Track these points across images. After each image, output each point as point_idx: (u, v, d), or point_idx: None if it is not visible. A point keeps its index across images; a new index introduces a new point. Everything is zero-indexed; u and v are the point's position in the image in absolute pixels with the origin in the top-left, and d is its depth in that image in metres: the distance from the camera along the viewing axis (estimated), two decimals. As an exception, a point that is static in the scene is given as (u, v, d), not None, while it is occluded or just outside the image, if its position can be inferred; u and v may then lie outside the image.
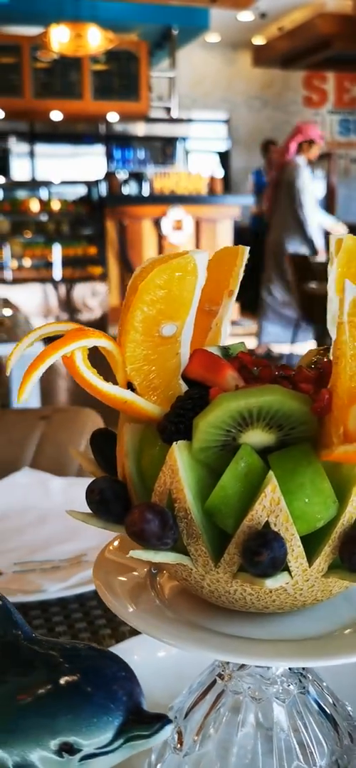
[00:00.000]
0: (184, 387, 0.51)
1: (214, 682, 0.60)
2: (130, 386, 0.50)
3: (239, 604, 0.49)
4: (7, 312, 3.13)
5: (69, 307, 8.77)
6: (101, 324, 8.66)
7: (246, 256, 0.56)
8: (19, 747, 0.38)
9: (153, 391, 0.49)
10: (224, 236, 8.90)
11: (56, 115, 8.86)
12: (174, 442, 0.46)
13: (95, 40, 6.43)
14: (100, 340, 0.47)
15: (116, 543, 0.61)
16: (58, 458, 1.38)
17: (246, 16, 8.80)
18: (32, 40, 7.98)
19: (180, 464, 0.45)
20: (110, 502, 0.50)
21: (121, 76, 8.52)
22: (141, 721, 0.37)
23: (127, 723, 0.37)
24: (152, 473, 0.49)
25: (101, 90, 8.52)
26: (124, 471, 0.51)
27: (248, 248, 0.56)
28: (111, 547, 0.60)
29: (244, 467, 0.45)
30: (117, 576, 0.57)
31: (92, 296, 8.81)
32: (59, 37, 6.44)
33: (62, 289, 8.78)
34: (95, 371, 0.47)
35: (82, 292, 8.80)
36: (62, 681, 0.38)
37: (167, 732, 0.37)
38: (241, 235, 9.23)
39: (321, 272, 6.43)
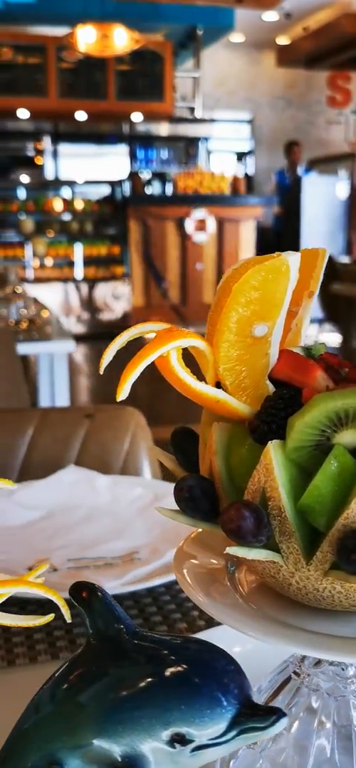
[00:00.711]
0: (271, 387, 0.51)
1: (289, 679, 0.60)
2: (217, 386, 0.51)
3: (326, 602, 0.50)
4: (43, 312, 3.15)
5: (91, 306, 8.82)
6: (123, 324, 8.69)
7: (327, 257, 0.57)
8: (129, 737, 0.39)
9: (243, 391, 0.50)
10: (247, 237, 8.90)
11: (81, 116, 8.90)
12: (269, 442, 0.46)
13: (121, 40, 6.45)
14: (194, 340, 0.48)
15: (192, 538, 0.62)
16: (103, 456, 1.39)
17: (271, 16, 8.79)
18: (58, 40, 8.03)
19: (275, 463, 0.46)
20: (198, 499, 0.51)
21: (145, 77, 8.55)
22: (255, 714, 0.37)
23: (240, 715, 0.37)
24: (241, 471, 0.50)
25: (126, 90, 8.55)
26: (211, 469, 0.51)
27: (328, 250, 0.57)
28: (188, 542, 0.61)
29: (337, 467, 0.46)
30: (196, 570, 0.58)
31: (115, 296, 8.84)
32: (86, 38, 6.47)
33: (85, 288, 8.82)
34: (188, 371, 0.48)
35: (105, 291, 8.84)
36: (173, 673, 0.39)
37: (283, 724, 0.37)
38: (264, 236, 9.23)
39: (345, 273, 6.41)
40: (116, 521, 1.15)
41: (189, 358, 0.50)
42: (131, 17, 7.21)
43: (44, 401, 3.18)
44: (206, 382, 0.50)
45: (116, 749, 0.40)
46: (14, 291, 3.17)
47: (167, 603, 0.95)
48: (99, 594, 0.45)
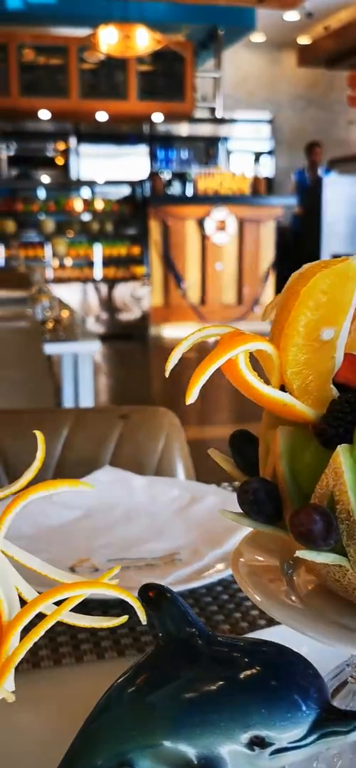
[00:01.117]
0: (334, 391, 0.51)
1: (345, 683, 0.60)
2: (281, 389, 0.51)
3: None
4: (67, 312, 3.16)
5: (111, 306, 8.84)
6: (142, 324, 8.71)
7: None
8: (206, 739, 0.39)
9: (309, 395, 0.50)
10: (268, 237, 8.89)
11: (102, 116, 8.93)
12: (339, 446, 0.46)
13: (143, 40, 6.47)
14: (262, 344, 0.48)
15: (247, 540, 0.62)
16: (137, 457, 1.39)
17: (292, 15, 8.76)
18: (79, 41, 8.06)
19: (344, 467, 0.46)
20: (262, 502, 0.51)
21: (166, 77, 8.56)
22: (337, 718, 0.37)
23: (321, 719, 0.38)
24: (305, 475, 0.50)
25: (146, 91, 8.57)
26: (275, 472, 0.51)
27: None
28: (244, 544, 0.61)
29: None
30: (253, 571, 0.58)
31: (134, 296, 8.86)
32: (108, 38, 6.49)
33: (104, 288, 8.85)
34: (256, 374, 0.48)
35: (124, 291, 8.86)
36: (251, 676, 0.39)
37: (366, 729, 0.38)
38: (283, 236, 9.21)
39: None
40: (154, 522, 1.16)
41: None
42: (153, 18, 7.22)
43: (68, 401, 3.20)
44: (271, 385, 0.50)
45: (191, 751, 0.40)
46: (40, 290, 3.19)
47: (209, 605, 0.95)
48: (168, 595, 0.45)
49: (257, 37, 9.71)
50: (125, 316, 8.87)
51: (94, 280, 8.82)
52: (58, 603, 0.43)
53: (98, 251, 8.78)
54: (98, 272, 8.82)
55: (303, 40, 9.96)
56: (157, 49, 6.90)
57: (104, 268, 8.85)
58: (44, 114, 8.85)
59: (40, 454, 0.45)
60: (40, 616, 0.44)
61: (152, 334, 8.67)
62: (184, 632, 0.43)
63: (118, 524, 1.15)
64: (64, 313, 3.27)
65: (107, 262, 8.86)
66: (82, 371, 3.14)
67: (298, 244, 9.39)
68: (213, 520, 1.14)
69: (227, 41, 8.86)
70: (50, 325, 2.97)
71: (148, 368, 7.87)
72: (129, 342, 8.52)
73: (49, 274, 8.60)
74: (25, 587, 0.45)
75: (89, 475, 1.28)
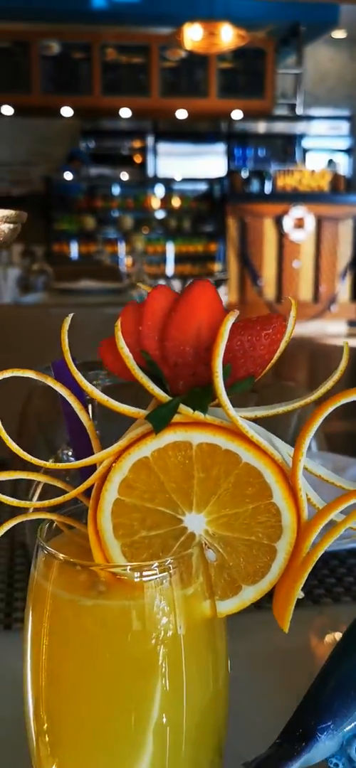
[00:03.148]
0: None
1: None
2: None
3: None
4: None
5: (187, 302, 8.90)
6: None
7: None
8: None
9: None
10: (346, 235, 8.79)
11: (181, 114, 9.00)
12: None
13: (227, 37, 6.50)
14: None
15: None
16: (270, 431, 1.42)
17: (376, 10, 8.64)
18: (161, 39, 8.15)
19: None
20: None
21: (247, 74, 8.57)
22: None
23: None
24: None
25: (227, 88, 8.60)
26: None
27: None
28: None
29: None
30: None
31: (211, 293, 8.89)
32: (192, 36, 6.55)
33: (179, 285, 8.92)
34: None
35: (200, 288, 8.90)
36: None
37: None
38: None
39: None
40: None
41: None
42: (237, 15, 7.24)
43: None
44: None
45: None
46: (138, 281, 3.25)
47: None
48: None
49: (339, 33, 9.60)
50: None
51: (170, 276, 8.91)
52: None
53: (172, 248, 8.86)
54: (175, 268, 8.90)
55: (386, 35, 9.81)
56: (240, 45, 6.92)
57: (180, 264, 8.93)
58: (125, 112, 8.97)
59: (343, 364, 0.47)
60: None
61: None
62: None
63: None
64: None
65: (184, 258, 8.93)
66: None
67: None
68: (361, 490, 1.16)
69: (308, 38, 8.81)
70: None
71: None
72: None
73: (124, 269, 8.74)
74: (315, 495, 0.48)
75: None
